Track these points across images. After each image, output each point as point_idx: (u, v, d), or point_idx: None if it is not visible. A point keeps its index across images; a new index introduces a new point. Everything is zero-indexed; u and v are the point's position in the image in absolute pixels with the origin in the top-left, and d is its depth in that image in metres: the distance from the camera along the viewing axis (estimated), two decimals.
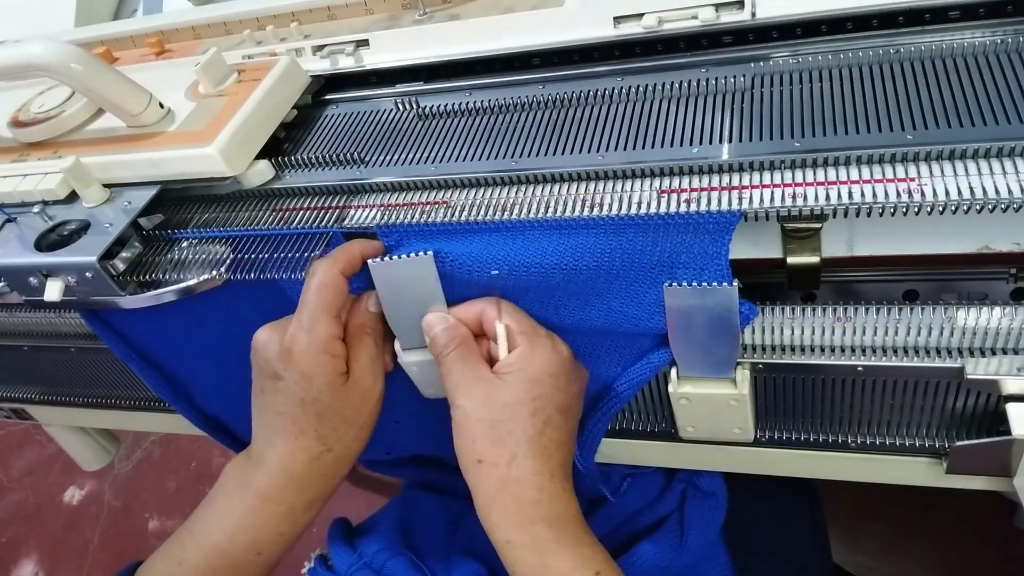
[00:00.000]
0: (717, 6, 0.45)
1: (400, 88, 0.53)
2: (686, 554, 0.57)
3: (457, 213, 0.42)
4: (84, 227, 0.46)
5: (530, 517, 0.40)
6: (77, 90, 0.49)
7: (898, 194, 0.35)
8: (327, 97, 0.54)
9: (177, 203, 0.50)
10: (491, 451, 0.40)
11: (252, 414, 0.45)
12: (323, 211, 0.46)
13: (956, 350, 0.40)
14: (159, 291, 0.44)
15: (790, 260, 0.38)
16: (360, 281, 0.44)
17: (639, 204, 0.39)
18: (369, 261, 0.42)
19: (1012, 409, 0.39)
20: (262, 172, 0.47)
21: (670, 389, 0.44)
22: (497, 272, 0.41)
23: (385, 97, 0.53)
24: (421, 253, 0.41)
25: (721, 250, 0.38)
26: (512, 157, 0.43)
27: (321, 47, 0.54)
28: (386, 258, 0.42)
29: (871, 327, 0.40)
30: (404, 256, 0.42)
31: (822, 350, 0.42)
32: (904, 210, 0.34)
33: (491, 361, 0.42)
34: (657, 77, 0.45)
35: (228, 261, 0.44)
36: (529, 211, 0.41)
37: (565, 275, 0.41)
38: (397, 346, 0.46)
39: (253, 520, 0.44)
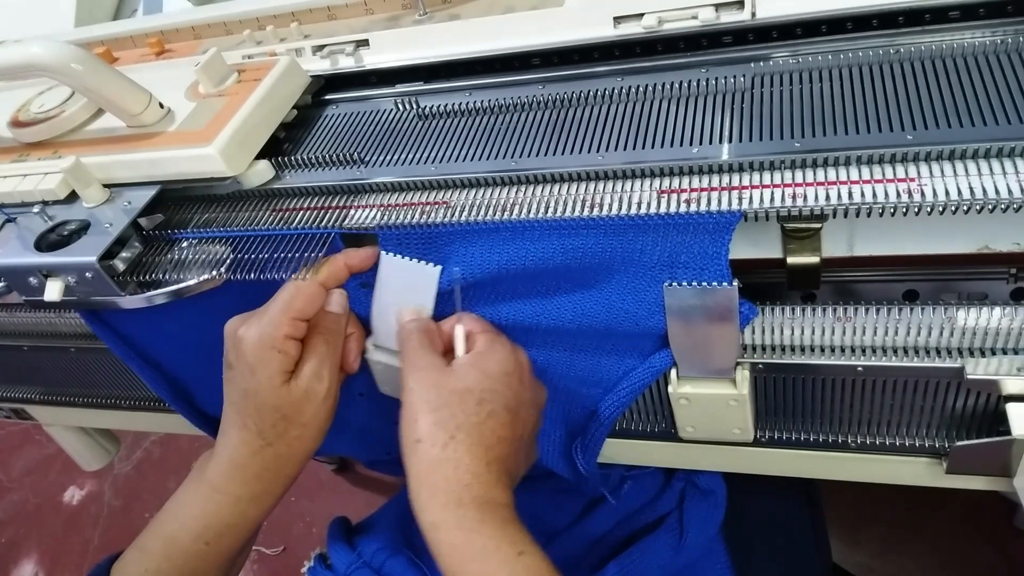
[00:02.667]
0: (717, 6, 0.45)
1: (400, 88, 0.53)
2: (685, 552, 0.57)
3: (457, 213, 0.42)
4: (84, 227, 0.46)
5: (458, 498, 0.39)
6: (77, 90, 0.49)
7: (898, 194, 0.34)
8: (327, 97, 0.54)
9: (177, 203, 0.50)
10: (430, 432, 0.40)
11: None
12: (323, 211, 0.46)
13: (956, 350, 0.40)
14: (159, 291, 0.44)
15: (790, 260, 0.38)
16: (368, 276, 0.45)
17: (639, 204, 0.39)
18: (381, 252, 0.43)
19: (1012, 409, 0.39)
20: (262, 172, 0.47)
21: (670, 389, 0.44)
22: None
23: (385, 97, 0.52)
24: (431, 264, 0.42)
25: (721, 250, 0.38)
26: (512, 157, 0.43)
27: (321, 47, 0.54)
28: (398, 256, 0.43)
29: (871, 327, 0.40)
30: (415, 260, 0.42)
31: (822, 350, 0.42)
32: (904, 210, 0.34)
33: None
34: (657, 77, 0.45)
35: (228, 261, 0.44)
36: (529, 211, 0.40)
37: (565, 275, 0.41)
38: (369, 341, 0.46)
39: (202, 508, 0.45)
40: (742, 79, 0.43)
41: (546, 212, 0.40)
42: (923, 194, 0.34)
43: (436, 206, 0.43)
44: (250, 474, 0.44)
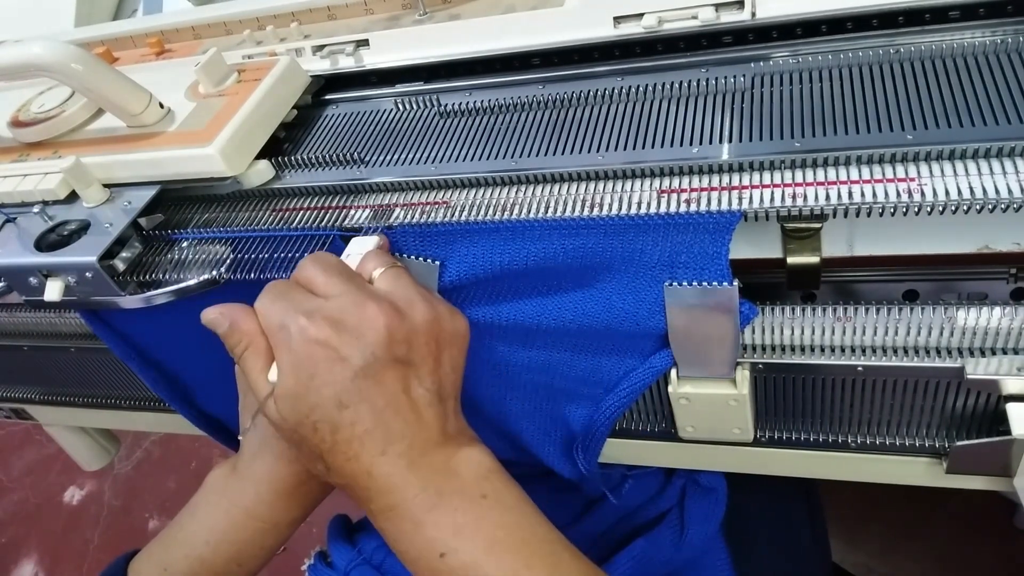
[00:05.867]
0: (717, 6, 0.45)
1: (400, 88, 0.53)
2: (686, 549, 0.57)
3: (457, 213, 0.42)
4: (84, 227, 0.46)
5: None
6: (77, 90, 0.49)
7: (898, 194, 0.35)
8: (327, 97, 0.54)
9: (177, 203, 0.50)
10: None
11: (242, 425, 0.45)
12: (323, 211, 0.46)
13: (956, 350, 0.40)
14: (159, 291, 0.44)
15: (790, 260, 0.38)
16: None
17: (639, 204, 0.39)
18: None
19: (1012, 409, 0.39)
20: (262, 172, 0.47)
21: (670, 389, 0.44)
22: (439, 263, 0.42)
23: (385, 97, 0.53)
24: (430, 260, 0.42)
25: (721, 250, 0.38)
26: (512, 157, 0.43)
27: (321, 47, 0.54)
28: (396, 254, 0.43)
29: (871, 327, 0.40)
30: (414, 258, 0.42)
31: (822, 350, 0.42)
32: (904, 210, 0.34)
33: None
34: (657, 77, 0.45)
35: (228, 261, 0.44)
36: (529, 211, 0.41)
37: (565, 275, 0.41)
38: None
39: (237, 535, 0.44)
40: (742, 79, 0.43)
41: (546, 212, 0.40)
42: (923, 194, 0.34)
43: (436, 206, 0.43)
44: (295, 503, 0.44)
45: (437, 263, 0.42)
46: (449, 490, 0.36)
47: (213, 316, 0.38)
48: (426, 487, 0.35)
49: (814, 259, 0.38)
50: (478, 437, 0.40)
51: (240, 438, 0.46)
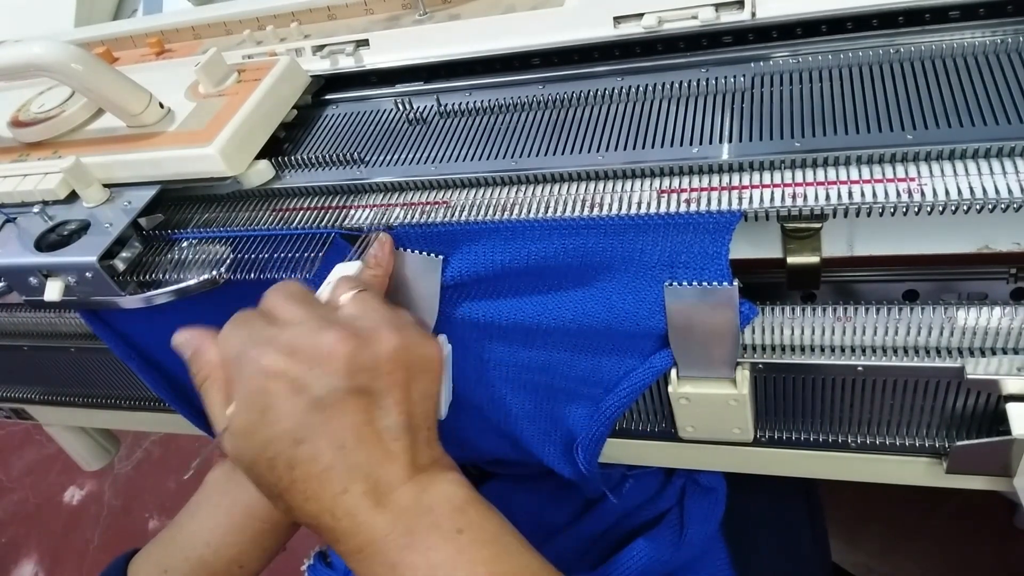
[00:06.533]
0: (717, 6, 0.45)
1: (400, 88, 0.53)
2: (685, 549, 0.57)
3: (457, 213, 0.42)
4: (84, 227, 0.46)
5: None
6: (77, 90, 0.49)
7: (898, 194, 0.35)
8: (327, 97, 0.54)
9: (177, 203, 0.50)
10: None
11: None
12: (323, 211, 0.46)
13: (956, 350, 0.40)
14: (159, 291, 0.44)
15: (790, 260, 0.38)
16: None
17: (639, 204, 0.39)
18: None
19: (1012, 409, 0.39)
20: (262, 172, 0.47)
21: (670, 389, 0.44)
22: (442, 258, 0.41)
23: (385, 97, 0.53)
24: (432, 255, 0.42)
25: (721, 250, 0.38)
26: (512, 157, 0.43)
27: (321, 47, 0.54)
28: (399, 248, 0.43)
29: (871, 327, 0.40)
30: (417, 252, 0.42)
31: (822, 350, 0.42)
32: (904, 210, 0.34)
33: None
34: (657, 77, 0.45)
35: (228, 261, 0.44)
36: (529, 211, 0.41)
37: (565, 275, 0.41)
38: None
39: (238, 537, 0.44)
40: (742, 79, 0.43)
41: (546, 212, 0.40)
42: (923, 194, 0.34)
43: (436, 206, 0.43)
44: None
45: (440, 257, 0.42)
46: (422, 527, 0.33)
47: (180, 341, 0.37)
48: (395, 526, 0.33)
49: (814, 259, 0.38)
50: (455, 465, 0.37)
51: None
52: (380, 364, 0.34)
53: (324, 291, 0.38)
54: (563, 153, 0.42)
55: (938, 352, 0.40)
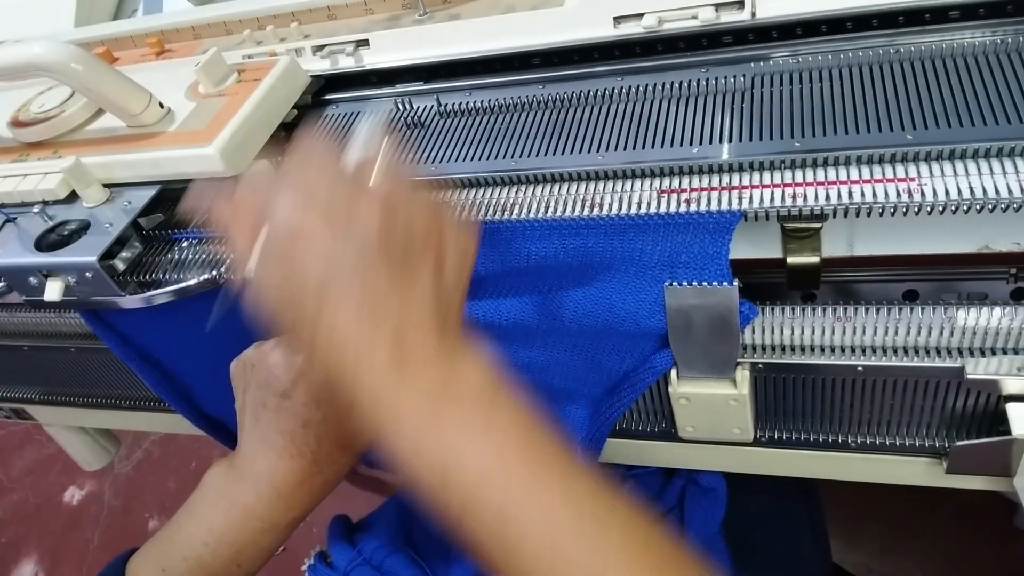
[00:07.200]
0: (717, 6, 0.45)
1: (400, 88, 0.53)
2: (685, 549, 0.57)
3: (457, 213, 0.42)
4: (84, 227, 0.46)
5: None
6: (77, 90, 0.49)
7: (898, 194, 0.35)
8: (327, 97, 0.54)
9: (177, 203, 0.50)
10: None
11: (241, 424, 0.45)
12: None
13: (956, 350, 0.40)
14: (159, 291, 0.44)
15: (790, 260, 0.38)
16: None
17: (639, 204, 0.39)
18: None
19: (1012, 409, 0.39)
20: (262, 172, 0.47)
21: (670, 389, 0.44)
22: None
23: (385, 97, 0.53)
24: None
25: (721, 250, 0.38)
26: (512, 157, 0.43)
27: (321, 47, 0.54)
28: None
29: (871, 327, 0.40)
30: None
31: (822, 350, 0.42)
32: (904, 210, 0.34)
33: None
34: (657, 77, 0.45)
35: (228, 261, 0.44)
36: (529, 211, 0.41)
37: (566, 275, 0.41)
38: None
39: (236, 536, 0.44)
40: (742, 79, 0.43)
41: (546, 212, 0.40)
42: (923, 194, 0.34)
43: None
44: (295, 502, 0.44)
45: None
46: (451, 397, 0.32)
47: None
48: (421, 394, 0.31)
49: (814, 259, 0.38)
50: (482, 350, 0.35)
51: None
52: (413, 242, 0.32)
53: (354, 155, 0.35)
54: (563, 153, 0.42)
55: (938, 352, 0.40)
